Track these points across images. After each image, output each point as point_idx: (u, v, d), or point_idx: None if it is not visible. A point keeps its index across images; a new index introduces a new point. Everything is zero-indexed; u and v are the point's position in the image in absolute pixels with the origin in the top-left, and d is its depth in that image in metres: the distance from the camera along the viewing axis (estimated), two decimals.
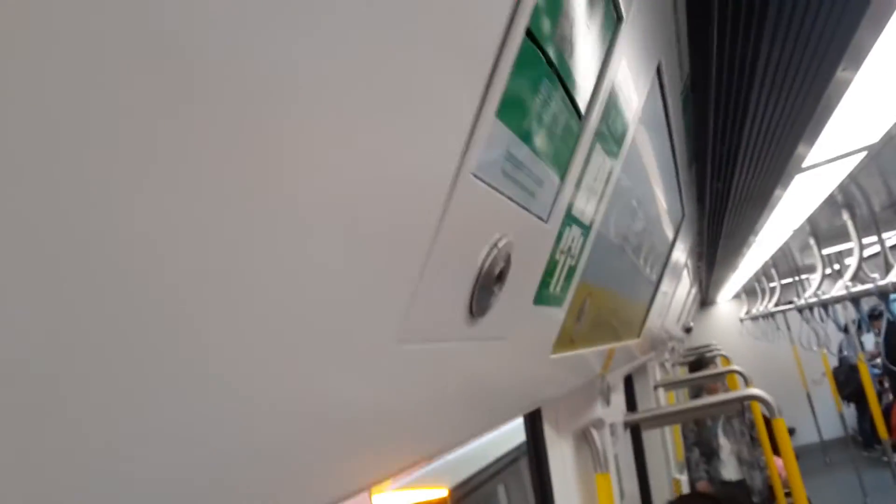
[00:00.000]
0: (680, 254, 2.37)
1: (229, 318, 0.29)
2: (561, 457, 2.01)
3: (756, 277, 6.08)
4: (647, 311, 1.91)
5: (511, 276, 0.57)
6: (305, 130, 0.29)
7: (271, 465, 0.36)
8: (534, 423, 2.06)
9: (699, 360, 5.23)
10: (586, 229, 0.78)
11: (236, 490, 0.34)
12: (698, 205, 2.38)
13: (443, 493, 2.22)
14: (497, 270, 0.51)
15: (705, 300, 8.03)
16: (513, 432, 2.67)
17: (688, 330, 5.93)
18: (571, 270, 0.78)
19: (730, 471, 4.64)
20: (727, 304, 8.57)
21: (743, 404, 2.69)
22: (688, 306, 5.51)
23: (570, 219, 0.69)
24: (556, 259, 0.70)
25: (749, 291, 7.80)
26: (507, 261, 0.53)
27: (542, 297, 0.70)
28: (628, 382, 3.48)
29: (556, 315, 0.81)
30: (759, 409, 4.11)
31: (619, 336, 1.48)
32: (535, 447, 2.08)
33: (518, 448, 2.80)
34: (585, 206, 0.74)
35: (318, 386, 0.37)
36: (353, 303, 0.37)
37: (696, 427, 4.76)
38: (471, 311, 0.51)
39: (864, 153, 2.08)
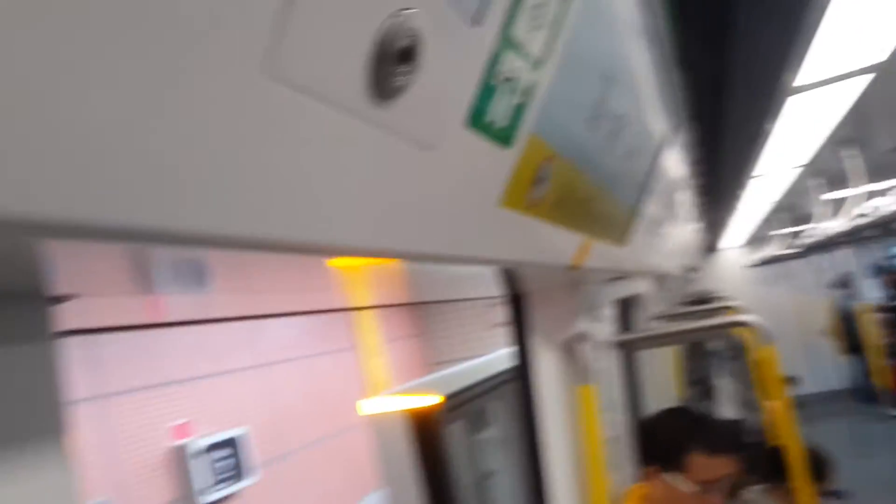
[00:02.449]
0: (671, 171, 2.33)
1: None
2: (545, 368, 2.03)
3: (762, 224, 6.02)
4: (632, 217, 1.88)
5: (427, 72, 0.54)
6: None
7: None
8: (520, 332, 2.07)
9: (700, 304, 5.24)
10: (534, 64, 0.75)
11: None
12: (691, 124, 2.33)
13: (436, 399, 2.25)
14: (398, 46, 0.49)
15: (711, 246, 7.99)
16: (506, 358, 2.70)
17: (691, 271, 5.91)
18: (518, 109, 0.76)
19: (727, 410, 4.68)
20: (734, 252, 8.51)
21: (731, 332, 2.68)
22: (691, 247, 5.48)
23: (507, 42, 0.67)
24: (492, 81, 0.67)
25: (755, 238, 7.75)
26: (414, 42, 0.51)
27: (479, 121, 0.68)
28: (624, 311, 3.49)
29: (502, 158, 0.78)
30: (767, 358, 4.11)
31: (596, 231, 1.46)
32: (520, 358, 2.09)
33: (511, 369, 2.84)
34: (531, 37, 0.71)
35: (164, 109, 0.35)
36: None
37: (697, 366, 4.80)
38: (371, 86, 0.49)
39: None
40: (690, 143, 2.59)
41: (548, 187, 1.00)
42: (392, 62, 0.49)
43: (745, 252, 8.43)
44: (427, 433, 2.15)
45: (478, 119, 0.68)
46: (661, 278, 4.54)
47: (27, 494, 0.46)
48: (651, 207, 2.17)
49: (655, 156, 1.81)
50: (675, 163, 2.40)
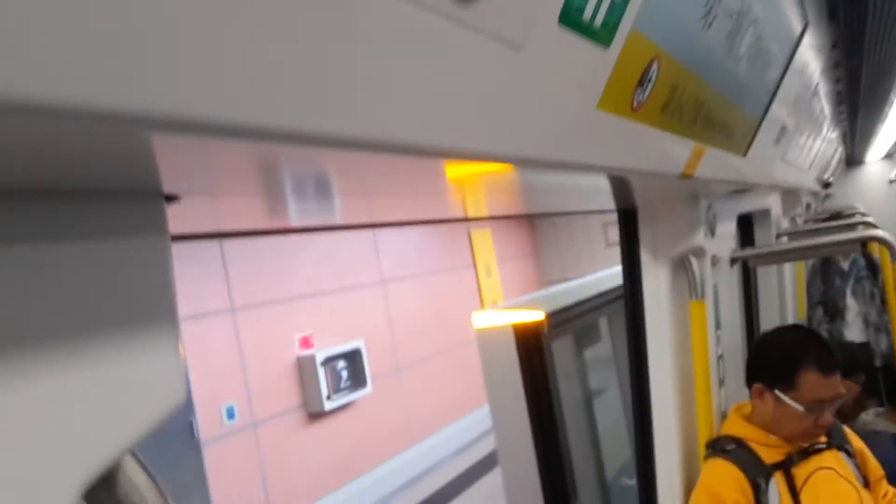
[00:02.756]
0: (803, 77, 2.16)
1: None
2: (656, 282, 1.98)
3: None
4: (757, 128, 1.77)
5: None
6: None
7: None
8: (630, 246, 2.03)
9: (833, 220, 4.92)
10: None
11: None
12: (830, 22, 2.13)
13: (539, 315, 2.26)
14: None
15: (851, 158, 7.39)
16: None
17: (826, 185, 5.52)
18: (616, 6, 0.72)
19: (854, 333, 4.44)
20: (877, 165, 7.84)
21: (866, 247, 2.50)
22: (828, 160, 5.10)
23: None
24: None
25: None
26: None
27: (572, 18, 0.65)
28: (747, 226, 3.33)
29: (599, 57, 0.75)
30: None
31: (713, 139, 1.38)
32: (629, 272, 2.05)
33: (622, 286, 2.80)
34: None
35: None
36: None
37: (823, 286, 4.55)
38: None
39: None
40: (827, 45, 2.37)
41: (655, 89, 0.95)
42: None
43: (892, 166, 7.76)
44: (533, 347, 2.17)
45: (572, 16, 0.65)
46: (792, 193, 4.27)
47: (139, 375, 0.51)
48: (779, 115, 2.03)
49: (784, 58, 1.68)
50: (809, 66, 2.22)
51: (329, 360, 6.03)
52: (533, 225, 10.15)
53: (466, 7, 0.51)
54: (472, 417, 7.57)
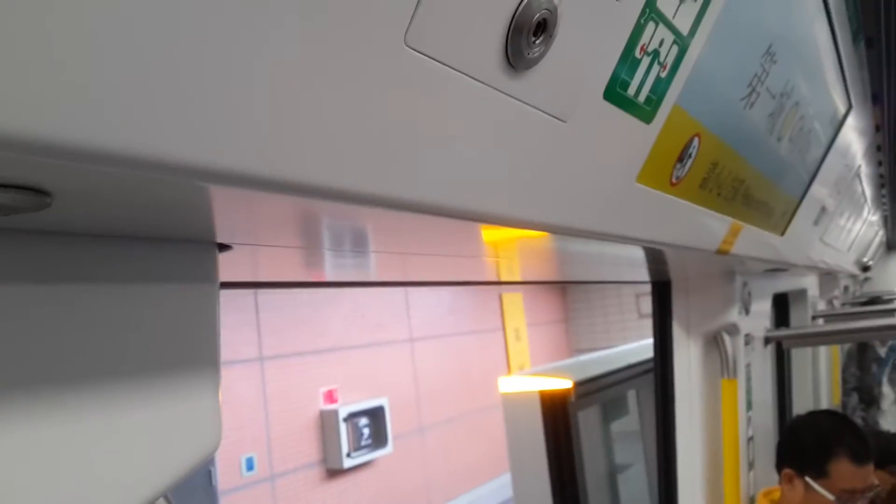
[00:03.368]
0: (845, 158, 2.15)
1: None
2: (687, 358, 1.96)
3: None
4: (796, 208, 1.76)
5: (563, 42, 0.54)
6: None
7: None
8: (662, 319, 2.01)
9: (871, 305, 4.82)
10: (680, 38, 0.73)
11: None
12: (874, 105, 2.13)
13: (567, 383, 2.24)
14: (536, 17, 0.49)
15: (892, 242, 7.27)
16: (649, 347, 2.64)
17: (865, 268, 5.43)
18: (660, 83, 0.74)
19: (889, 422, 4.31)
20: None
21: None
22: (868, 243, 5.03)
23: (652, 13, 0.65)
24: (634, 54, 0.66)
25: None
26: (551, 14, 0.51)
27: (617, 94, 0.67)
28: (783, 305, 3.28)
29: (641, 132, 0.77)
30: None
31: (751, 217, 1.38)
32: (660, 346, 2.03)
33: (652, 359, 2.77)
34: (680, 7, 0.69)
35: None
36: None
37: (859, 372, 4.43)
38: (507, 57, 0.50)
39: None
40: (870, 128, 2.37)
41: (694, 165, 0.96)
42: (528, 33, 0.50)
43: None
44: (559, 416, 2.14)
45: (617, 92, 0.66)
46: (829, 274, 4.21)
47: (179, 418, 0.52)
48: (819, 195, 2.02)
49: (827, 139, 1.68)
50: (851, 148, 2.22)
51: (352, 416, 5.97)
52: (565, 291, 10.09)
53: (517, 79, 0.53)
54: (493, 485, 7.39)
